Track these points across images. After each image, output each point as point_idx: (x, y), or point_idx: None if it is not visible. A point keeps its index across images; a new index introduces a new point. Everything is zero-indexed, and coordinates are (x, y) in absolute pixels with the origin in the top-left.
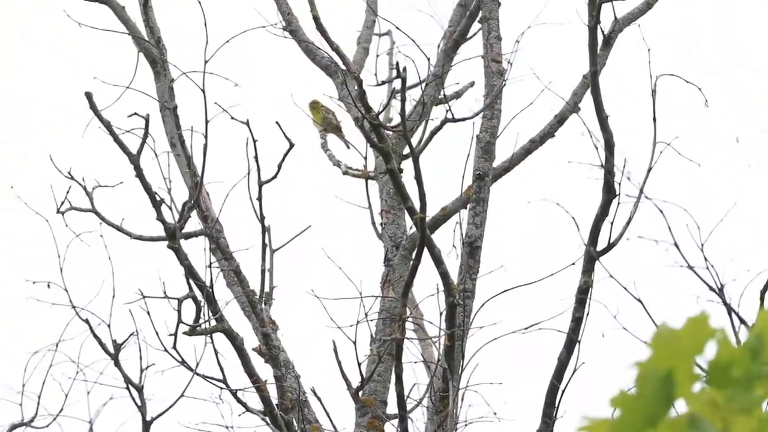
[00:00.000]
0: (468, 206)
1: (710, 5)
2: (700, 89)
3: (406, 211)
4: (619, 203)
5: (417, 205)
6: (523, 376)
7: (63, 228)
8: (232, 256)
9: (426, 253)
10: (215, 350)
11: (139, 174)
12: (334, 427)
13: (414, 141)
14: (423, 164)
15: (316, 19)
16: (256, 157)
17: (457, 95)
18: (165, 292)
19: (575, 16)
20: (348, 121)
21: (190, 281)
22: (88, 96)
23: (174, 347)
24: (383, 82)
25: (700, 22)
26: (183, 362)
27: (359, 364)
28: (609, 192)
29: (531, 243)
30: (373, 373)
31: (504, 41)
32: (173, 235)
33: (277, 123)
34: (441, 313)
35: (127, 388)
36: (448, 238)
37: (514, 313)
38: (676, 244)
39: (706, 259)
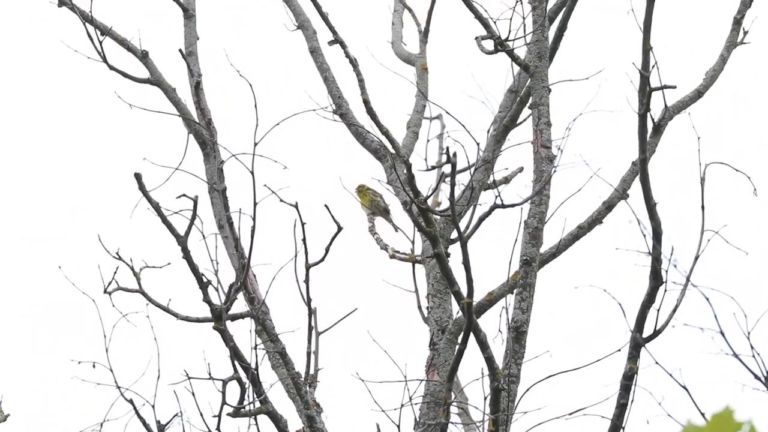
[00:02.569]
0: (514, 291)
1: (758, 93)
2: (749, 177)
3: (452, 295)
4: (665, 290)
5: (464, 290)
6: None
7: (110, 308)
8: (277, 338)
9: (472, 337)
10: None
11: (187, 255)
12: None
13: (462, 226)
14: (471, 249)
15: (366, 102)
16: (304, 239)
17: (506, 180)
18: (210, 373)
19: (625, 104)
20: (396, 204)
21: (235, 363)
22: (137, 177)
23: (218, 428)
24: (433, 167)
25: (749, 111)
26: None
27: None
28: (656, 279)
29: (577, 329)
30: None
31: (554, 127)
32: (219, 317)
33: (325, 206)
34: (486, 398)
35: None
36: (494, 323)
37: (559, 398)
38: (722, 332)
39: (752, 347)
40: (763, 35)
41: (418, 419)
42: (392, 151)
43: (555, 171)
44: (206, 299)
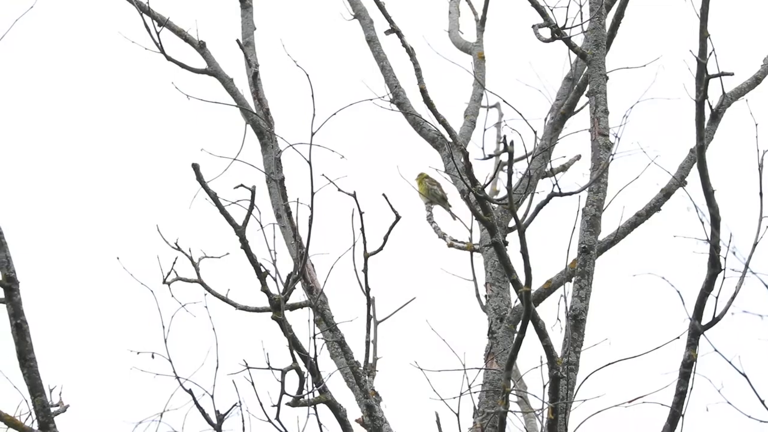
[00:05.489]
0: (573, 279)
1: None
2: None
3: (510, 283)
4: (724, 278)
5: (522, 278)
6: None
7: (168, 299)
8: (336, 328)
9: (530, 325)
10: (318, 421)
11: (245, 245)
12: None
13: (520, 214)
14: (528, 237)
15: (424, 91)
16: (362, 228)
17: (564, 168)
18: (269, 363)
19: (683, 91)
20: (454, 193)
21: (294, 352)
22: (195, 167)
23: (277, 418)
24: (490, 156)
25: None
26: None
27: None
28: (714, 266)
29: (635, 316)
30: None
31: (611, 115)
32: (278, 307)
33: (383, 195)
34: (545, 386)
35: None
36: (552, 311)
37: (618, 386)
38: None
39: None
40: None
41: (477, 408)
42: (450, 139)
43: (612, 158)
44: (265, 289)
